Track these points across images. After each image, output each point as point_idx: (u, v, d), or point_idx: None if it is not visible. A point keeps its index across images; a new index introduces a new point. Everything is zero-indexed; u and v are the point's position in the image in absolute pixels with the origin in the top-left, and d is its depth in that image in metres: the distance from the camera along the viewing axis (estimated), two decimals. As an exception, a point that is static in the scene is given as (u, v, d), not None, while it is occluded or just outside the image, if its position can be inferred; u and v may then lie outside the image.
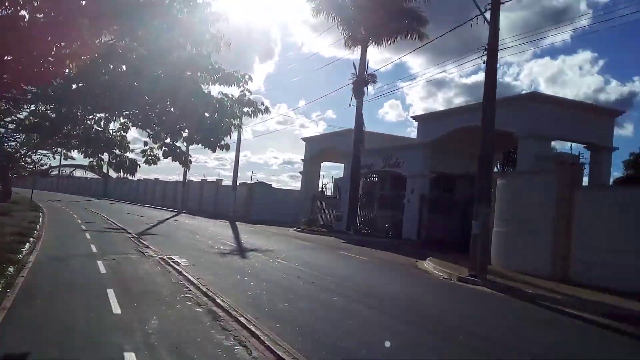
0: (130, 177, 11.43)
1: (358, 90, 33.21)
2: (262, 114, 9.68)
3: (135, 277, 11.43)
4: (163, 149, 9.88)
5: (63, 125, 10.28)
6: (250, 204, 44.92)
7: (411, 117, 32.23)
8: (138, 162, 11.43)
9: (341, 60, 70.24)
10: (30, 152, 35.99)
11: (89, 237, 19.19)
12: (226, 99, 9.38)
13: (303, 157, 43.87)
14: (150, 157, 11.04)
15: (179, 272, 12.23)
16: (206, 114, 8.98)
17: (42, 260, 12.83)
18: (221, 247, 19.32)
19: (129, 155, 11.50)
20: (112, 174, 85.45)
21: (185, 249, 17.95)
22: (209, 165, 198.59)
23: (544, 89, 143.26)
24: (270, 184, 49.34)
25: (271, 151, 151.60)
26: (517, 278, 14.20)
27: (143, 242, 18.89)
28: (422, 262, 18.36)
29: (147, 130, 9.77)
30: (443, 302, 11.87)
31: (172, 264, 13.65)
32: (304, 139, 44.44)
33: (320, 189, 43.59)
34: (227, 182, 50.71)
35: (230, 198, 45.08)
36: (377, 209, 35.89)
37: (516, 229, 16.38)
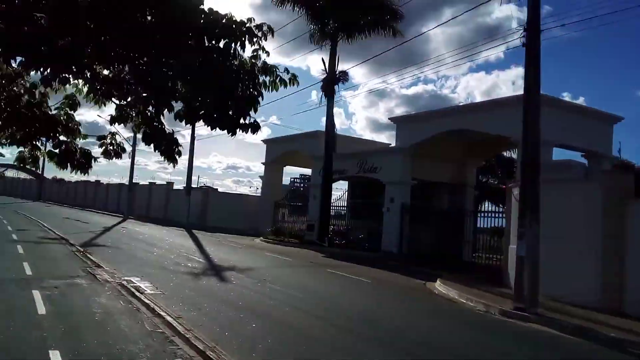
0: (81, 175, 7.81)
1: (328, 89, 30.35)
2: (286, 86, 6.31)
3: (90, 322, 7.90)
4: (142, 129, 6.41)
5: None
6: (206, 210, 41.19)
7: (389, 118, 29.68)
8: (93, 155, 8.02)
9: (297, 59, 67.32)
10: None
11: (21, 250, 15.34)
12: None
13: (264, 160, 40.56)
14: (112, 147, 7.66)
15: (151, 310, 8.87)
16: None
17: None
18: (189, 265, 15.92)
19: (80, 142, 8.06)
20: (48, 173, 79.26)
21: (145, 267, 14.49)
22: (149, 167, 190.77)
23: (479, 99, 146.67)
24: (215, 189, 45.79)
25: (214, 155, 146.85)
26: (565, 310, 11.63)
27: (91, 257, 15.23)
28: (432, 284, 15.63)
29: (114, 93, 6.13)
30: (511, 353, 9.05)
31: (137, 294, 10.24)
32: (264, 141, 41.17)
33: (284, 195, 40.32)
34: (177, 186, 46.83)
35: (183, 203, 41.16)
36: (348, 218, 33.13)
37: (553, 249, 13.86)
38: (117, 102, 6.27)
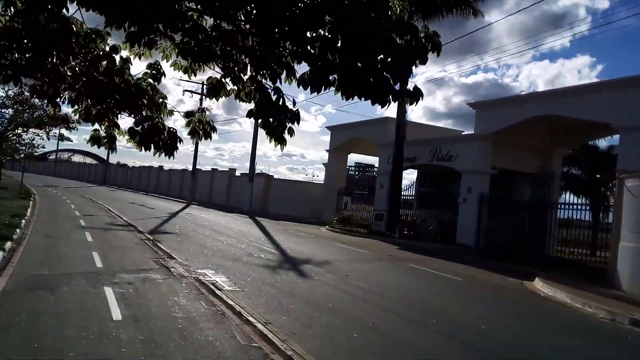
0: (166, 157, 6.42)
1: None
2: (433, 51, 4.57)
3: (173, 332, 6.61)
4: (255, 96, 5.03)
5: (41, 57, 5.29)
6: (268, 197, 40.36)
7: (468, 104, 26.92)
8: (179, 134, 6.74)
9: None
10: (19, 130, 31.42)
11: (89, 238, 14.63)
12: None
13: (328, 148, 39.25)
14: (201, 126, 6.39)
15: (237, 314, 7.66)
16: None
17: (17, 286, 8.31)
18: (262, 256, 14.79)
19: (168, 120, 6.80)
20: (113, 159, 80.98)
21: (217, 258, 13.44)
22: (207, 154, 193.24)
23: (542, 88, 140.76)
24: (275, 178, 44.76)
25: (269, 143, 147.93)
26: None
27: (161, 246, 14.34)
28: (531, 283, 13.93)
29: (216, 52, 4.74)
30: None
31: (217, 292, 9.11)
32: (329, 128, 39.80)
33: (347, 184, 38.88)
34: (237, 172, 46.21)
35: (245, 190, 40.55)
36: (416, 207, 31.43)
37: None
38: (220, 64, 4.92)
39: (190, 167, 48.31)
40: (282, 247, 17.36)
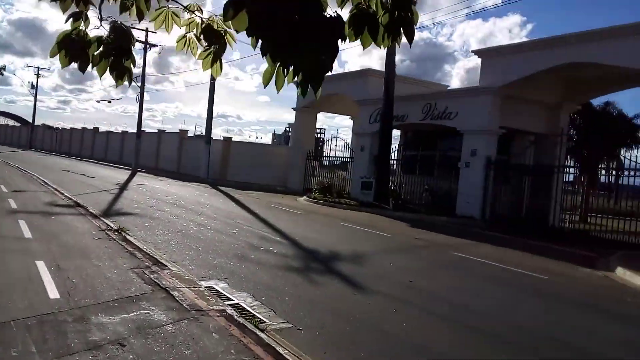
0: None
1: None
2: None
3: None
4: None
5: None
6: (227, 162, 35.84)
7: (472, 51, 23.53)
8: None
9: None
10: None
11: (27, 232, 10.08)
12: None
13: (295, 106, 35.02)
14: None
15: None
16: None
17: None
18: (271, 248, 10.85)
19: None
20: (38, 121, 72.94)
21: (216, 256, 9.46)
22: (137, 115, 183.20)
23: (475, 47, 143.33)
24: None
25: (204, 103, 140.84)
26: None
27: (132, 240, 10.08)
28: (617, 275, 10.82)
29: None
30: None
31: (264, 337, 5.19)
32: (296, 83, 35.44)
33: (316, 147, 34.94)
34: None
35: (198, 155, 35.84)
36: (401, 174, 28.05)
37: None
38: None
39: (129, 129, 42.81)
40: (283, 232, 13.41)
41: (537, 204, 22.58)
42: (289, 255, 10.50)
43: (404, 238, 14.43)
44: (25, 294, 5.96)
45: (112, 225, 11.54)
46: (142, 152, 40.74)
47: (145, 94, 38.81)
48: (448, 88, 30.93)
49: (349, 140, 32.95)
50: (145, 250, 9.13)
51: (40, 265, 7.34)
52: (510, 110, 22.48)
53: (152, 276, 7.32)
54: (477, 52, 23.14)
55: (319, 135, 42.60)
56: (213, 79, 34.41)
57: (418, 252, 12.53)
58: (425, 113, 24.89)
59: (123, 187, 23.23)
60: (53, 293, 5.99)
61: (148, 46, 37.97)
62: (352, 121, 36.96)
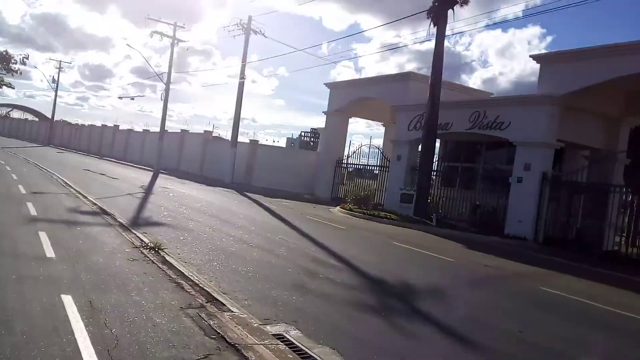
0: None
1: (440, 13, 22.89)
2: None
3: None
4: None
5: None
6: (253, 167, 34.25)
7: (530, 56, 21.53)
8: None
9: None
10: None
11: (48, 250, 8.40)
12: None
13: (326, 110, 33.35)
14: None
15: None
16: None
17: None
18: (331, 276, 9.10)
19: None
20: (57, 117, 72.24)
21: (271, 285, 7.74)
22: (153, 114, 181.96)
23: (492, 59, 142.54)
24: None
25: (221, 103, 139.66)
26: None
27: (173, 263, 8.41)
28: None
29: None
30: None
31: None
32: (327, 85, 33.79)
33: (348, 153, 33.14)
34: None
35: (223, 157, 34.36)
36: (439, 187, 26.11)
37: None
38: None
39: (152, 128, 41.43)
40: (336, 253, 11.68)
41: (589, 225, 20.68)
42: (355, 286, 8.78)
43: (471, 264, 12.63)
44: (49, 355, 4.30)
45: (146, 240, 9.89)
46: (163, 152, 39.31)
47: (163, 92, 37.31)
48: (492, 95, 29.11)
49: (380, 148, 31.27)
50: (191, 278, 7.45)
51: (68, 301, 5.68)
52: (566, 122, 20.62)
53: (211, 322, 5.64)
54: (536, 58, 21.30)
55: (307, 138, 39.88)
56: (243, 79, 32.89)
57: (498, 285, 10.75)
58: (472, 122, 23.07)
59: (148, 190, 21.70)
60: (89, 355, 4.31)
61: (176, 42, 36.52)
62: (383, 128, 35.29)
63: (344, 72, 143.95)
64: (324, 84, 33.67)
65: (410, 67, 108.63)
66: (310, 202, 27.47)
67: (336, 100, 32.46)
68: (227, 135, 39.13)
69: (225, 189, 28.04)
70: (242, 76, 33.25)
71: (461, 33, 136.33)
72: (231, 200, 22.00)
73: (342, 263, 10.61)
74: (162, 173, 34.83)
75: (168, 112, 37.41)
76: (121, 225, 11.54)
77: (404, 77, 27.56)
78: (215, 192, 25.32)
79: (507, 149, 24.04)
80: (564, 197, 21.44)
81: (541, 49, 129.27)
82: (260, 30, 33.31)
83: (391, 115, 34.25)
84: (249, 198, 24.18)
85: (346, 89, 31.90)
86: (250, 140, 35.95)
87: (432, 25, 23.22)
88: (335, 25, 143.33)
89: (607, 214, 19.85)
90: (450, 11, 22.91)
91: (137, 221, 12.70)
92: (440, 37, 23.13)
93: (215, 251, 10.17)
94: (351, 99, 31.16)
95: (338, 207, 24.40)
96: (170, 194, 21.05)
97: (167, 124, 36.97)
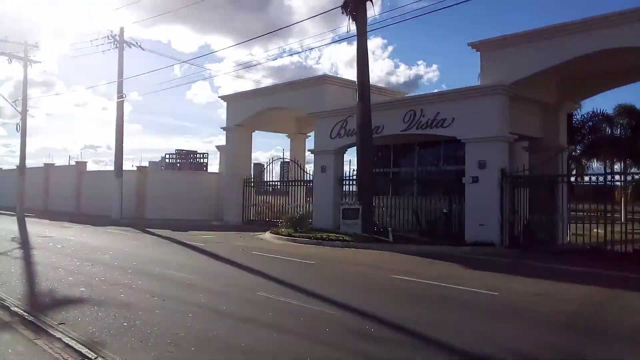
0: None
1: (358, 4, 20.24)
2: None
3: None
4: None
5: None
6: (145, 197, 29.08)
7: (469, 44, 19.42)
8: None
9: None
10: None
11: None
12: None
13: (225, 125, 29.30)
14: None
15: None
16: None
17: None
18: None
19: None
20: None
21: None
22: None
23: (343, 71, 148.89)
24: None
25: (70, 134, 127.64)
26: None
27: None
28: None
29: None
30: None
31: None
32: (223, 98, 29.74)
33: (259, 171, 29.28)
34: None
35: (104, 191, 28.90)
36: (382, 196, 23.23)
37: None
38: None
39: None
40: (365, 313, 8.10)
41: (540, 220, 19.01)
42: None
43: (519, 297, 9.60)
44: None
45: (79, 347, 5.61)
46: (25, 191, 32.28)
47: (1, 128, 30.94)
48: (406, 95, 27.08)
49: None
50: None
51: None
52: (511, 113, 18.86)
53: None
54: (476, 45, 19.27)
55: (170, 160, 34.83)
56: (122, 97, 27.82)
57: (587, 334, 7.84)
58: (408, 122, 20.59)
59: (24, 243, 16.32)
60: None
61: (29, 63, 30.18)
62: (289, 140, 32.06)
63: (200, 93, 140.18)
64: (219, 97, 29.56)
65: (267, 81, 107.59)
66: (228, 230, 23.40)
67: (236, 113, 28.55)
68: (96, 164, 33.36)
69: (120, 228, 22.91)
70: (121, 94, 28.13)
71: (310, 48, 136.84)
72: (140, 243, 17.31)
73: (395, 331, 7.08)
74: (28, 216, 28.33)
75: (10, 148, 31.30)
76: (21, 318, 6.96)
77: (318, 81, 24.51)
78: (111, 234, 20.26)
79: (439, 147, 22.07)
80: (523, 194, 19.54)
81: (384, 58, 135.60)
82: (137, 43, 28.62)
83: (297, 125, 31.25)
84: (159, 236, 19.52)
85: (249, 100, 28.10)
86: (138, 166, 30.67)
87: (350, 19, 20.47)
88: (184, 47, 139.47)
89: (556, 206, 18.63)
90: (368, 2, 20.36)
91: (40, 302, 8.12)
92: (361, 29, 20.39)
93: (184, 343, 6.14)
94: (256, 110, 27.47)
95: (268, 233, 20.60)
96: (58, 245, 15.88)
97: (11, 160, 30.39)
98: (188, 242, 17.22)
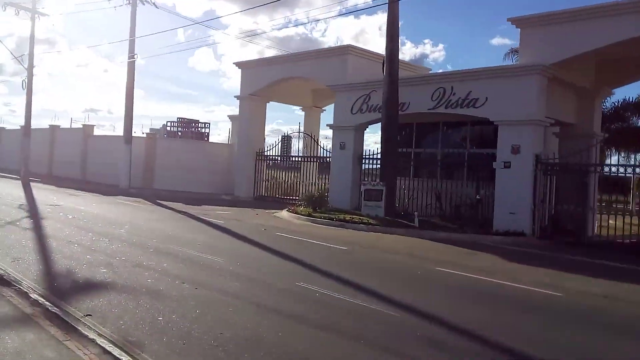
0: None
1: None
2: None
3: None
4: None
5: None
6: (153, 166, 28.13)
7: (509, 19, 18.22)
8: None
9: None
10: None
11: None
12: None
13: (239, 94, 28.17)
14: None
15: None
16: None
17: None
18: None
19: None
20: None
21: None
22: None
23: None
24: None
25: (71, 96, 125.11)
26: None
27: None
28: None
29: None
30: None
31: None
32: (238, 64, 28.49)
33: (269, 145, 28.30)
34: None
35: (112, 158, 27.94)
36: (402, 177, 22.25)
37: None
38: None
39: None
40: (433, 316, 7.29)
41: (568, 210, 18.10)
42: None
43: (587, 299, 8.73)
44: None
45: (119, 355, 4.76)
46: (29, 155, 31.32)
47: (1, 85, 29.79)
48: (430, 71, 25.96)
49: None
50: None
51: None
52: (548, 96, 17.82)
53: None
54: (516, 21, 18.09)
55: (172, 128, 33.33)
56: (133, 57, 26.68)
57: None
58: (436, 100, 19.49)
59: (33, 212, 15.42)
60: None
61: (37, 15, 28.90)
62: (303, 113, 30.95)
63: (203, 60, 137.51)
64: (234, 63, 28.24)
65: (271, 52, 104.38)
66: (240, 205, 22.55)
67: (251, 82, 27.39)
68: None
69: (130, 198, 22.04)
70: (132, 54, 26.97)
71: (316, 20, 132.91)
72: (155, 216, 16.45)
73: (469, 340, 6.23)
74: (33, 181, 27.41)
75: (10, 107, 30.11)
76: (43, 309, 6.08)
77: (341, 51, 23.30)
78: (123, 205, 19.39)
79: (471, 128, 21.07)
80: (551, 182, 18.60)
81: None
82: (150, 0, 27.31)
83: (313, 98, 30.12)
84: (172, 209, 18.68)
85: (264, 69, 26.93)
86: (147, 133, 29.58)
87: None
88: (189, 12, 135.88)
89: (588, 197, 17.81)
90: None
91: (60, 286, 7.26)
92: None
93: (249, 349, 5.29)
94: (272, 79, 26.32)
95: (285, 212, 19.73)
96: (69, 215, 14.99)
97: (13, 119, 29.37)
98: (205, 218, 16.36)
